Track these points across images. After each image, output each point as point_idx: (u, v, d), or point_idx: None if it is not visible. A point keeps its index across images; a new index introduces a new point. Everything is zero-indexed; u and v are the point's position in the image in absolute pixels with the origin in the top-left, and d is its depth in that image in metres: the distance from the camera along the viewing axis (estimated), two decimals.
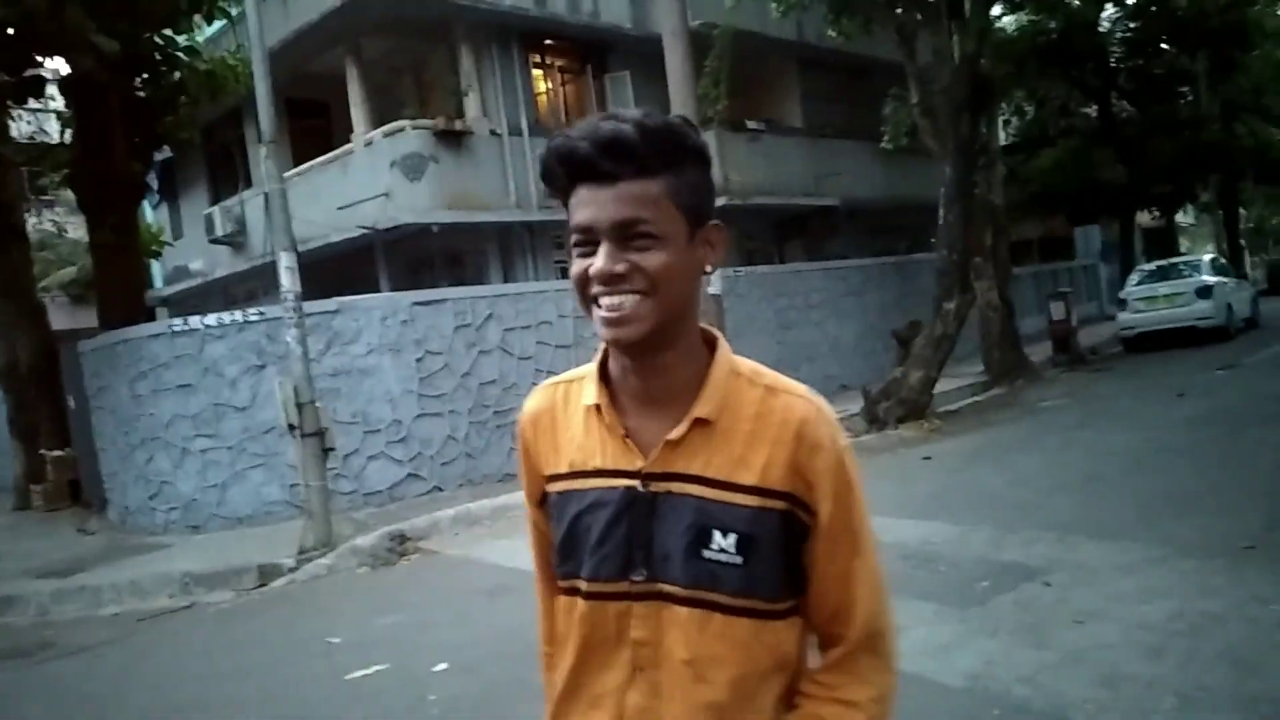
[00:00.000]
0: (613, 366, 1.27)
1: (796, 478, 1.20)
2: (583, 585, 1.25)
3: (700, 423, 1.21)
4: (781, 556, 1.21)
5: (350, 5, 13.45)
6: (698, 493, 1.20)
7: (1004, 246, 16.20)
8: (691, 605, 1.19)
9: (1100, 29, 22.57)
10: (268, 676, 5.33)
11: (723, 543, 1.18)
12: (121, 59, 10.13)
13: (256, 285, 17.04)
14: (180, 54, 11.74)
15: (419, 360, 10.28)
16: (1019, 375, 14.78)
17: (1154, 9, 21.52)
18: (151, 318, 13.17)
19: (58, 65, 11.61)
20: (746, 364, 1.29)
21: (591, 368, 1.30)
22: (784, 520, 1.20)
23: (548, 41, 15.97)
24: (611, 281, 1.15)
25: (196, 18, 11.12)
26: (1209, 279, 16.58)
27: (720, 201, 15.03)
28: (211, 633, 6.63)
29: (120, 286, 11.74)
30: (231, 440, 9.75)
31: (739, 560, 1.18)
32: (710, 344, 1.29)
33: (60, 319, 16.92)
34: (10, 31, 9.53)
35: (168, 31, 11.32)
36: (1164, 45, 23.52)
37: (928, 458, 9.51)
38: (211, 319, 9.94)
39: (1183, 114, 24.49)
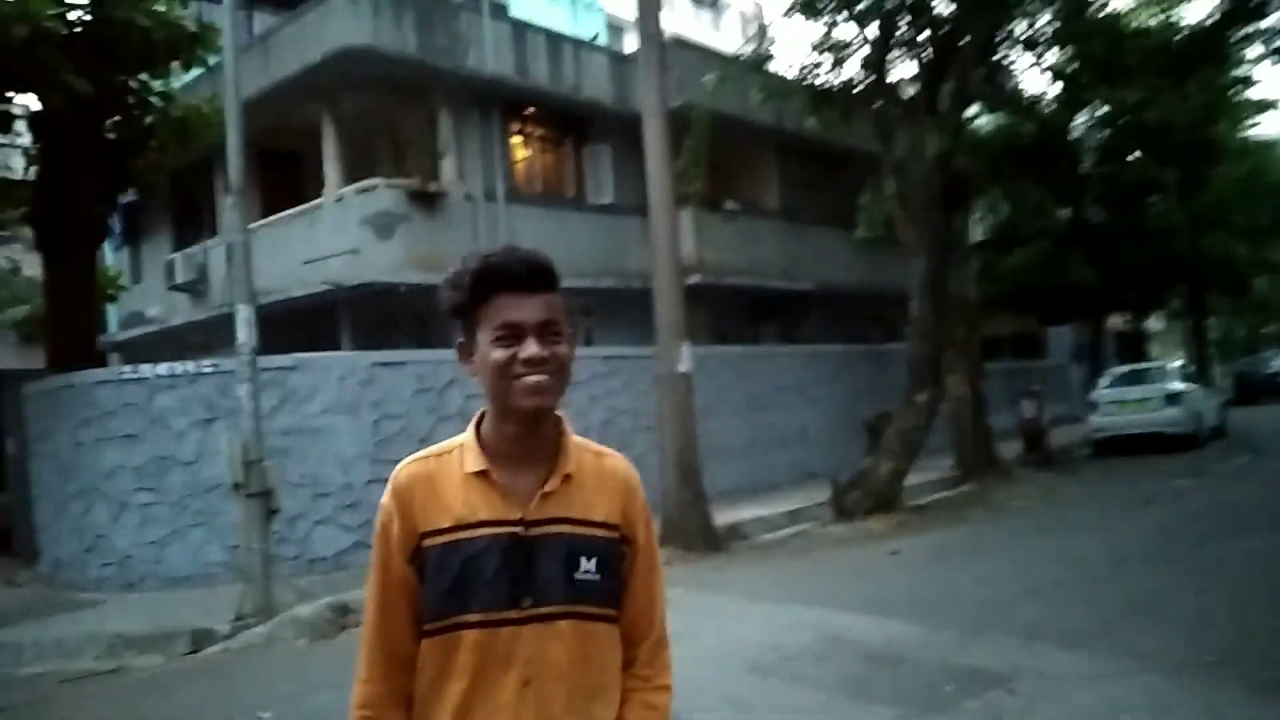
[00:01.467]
0: (492, 438, 1.61)
1: (623, 515, 1.64)
2: (473, 618, 1.53)
3: (566, 478, 1.59)
4: (617, 576, 1.62)
5: (332, 62, 13.41)
6: (568, 531, 1.57)
7: (976, 342, 16.27)
8: (568, 618, 1.55)
9: (1073, 135, 23.09)
10: None
11: (587, 565, 1.57)
12: (94, 100, 9.96)
13: (214, 336, 16.61)
14: (154, 98, 11.57)
15: (376, 423, 10.00)
16: (989, 472, 14.69)
17: (1124, 120, 22.06)
18: (103, 363, 12.76)
19: (27, 101, 11.38)
20: (577, 436, 1.67)
21: (461, 441, 1.64)
22: (618, 548, 1.62)
23: (528, 110, 16.01)
24: (539, 364, 1.53)
25: (174, 64, 10.98)
26: (1178, 386, 16.72)
27: (694, 279, 15.19)
28: (136, 700, 6.38)
29: (72, 329, 11.38)
30: (174, 495, 9.41)
31: (598, 578, 1.58)
32: (557, 419, 1.64)
33: (7, 358, 16.46)
34: None
35: (143, 75, 11.18)
36: (1135, 155, 24.08)
37: (895, 552, 9.35)
38: (163, 368, 9.69)
39: (1152, 222, 24.99)
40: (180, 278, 16.52)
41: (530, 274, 1.55)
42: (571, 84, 15.90)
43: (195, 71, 12.40)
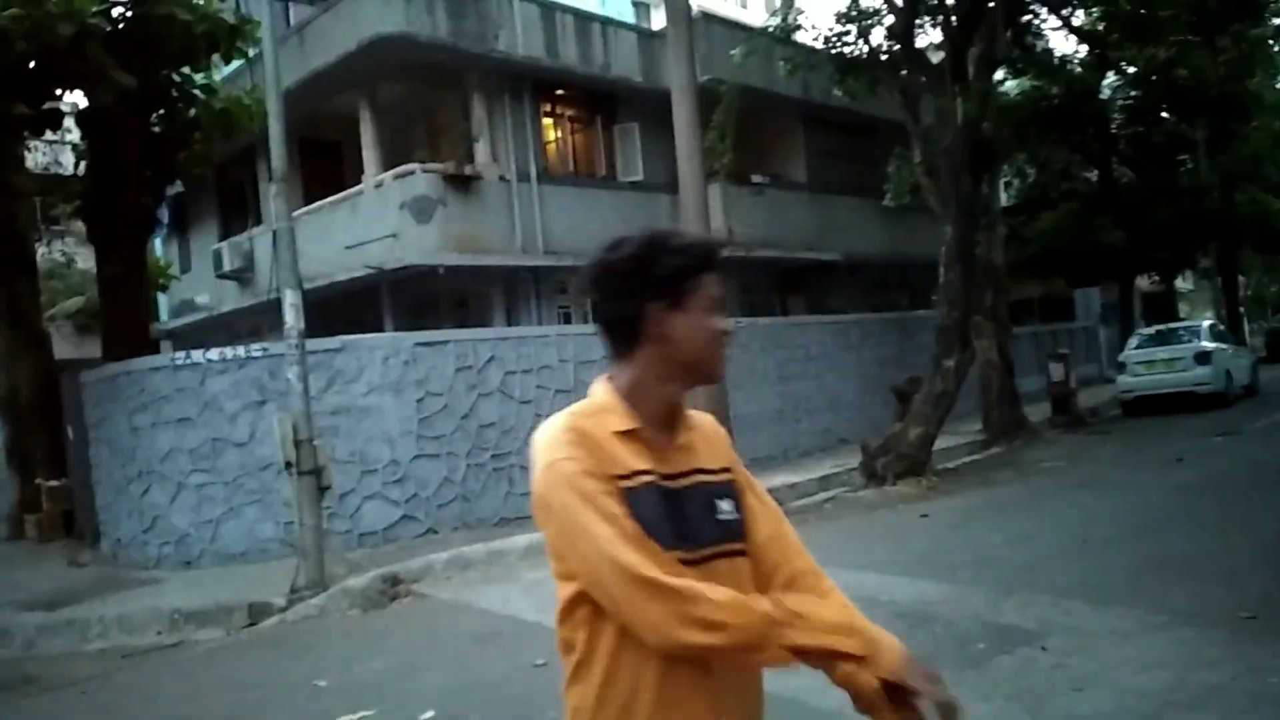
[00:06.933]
0: (645, 400, 1.72)
1: (730, 460, 1.80)
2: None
3: (689, 431, 1.76)
4: (742, 513, 1.76)
5: (367, 50, 13.66)
6: (702, 479, 1.72)
7: (1004, 306, 16.28)
8: (719, 557, 1.67)
9: (1101, 96, 22.89)
10: (253, 719, 5.27)
11: (725, 506, 1.72)
12: (139, 94, 10.24)
13: (261, 321, 17.09)
14: (197, 91, 11.88)
15: (419, 401, 10.27)
16: (1018, 435, 14.79)
17: (1154, 78, 21.82)
18: (155, 350, 13.20)
19: (75, 99, 11.75)
20: None
21: (597, 405, 1.72)
22: (738, 488, 1.77)
23: (559, 91, 16.21)
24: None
25: (214, 57, 11.26)
26: (1208, 345, 16.65)
27: (723, 253, 15.23)
28: (198, 672, 6.56)
29: (126, 318, 11.78)
30: (228, 476, 9.68)
31: (736, 516, 1.73)
32: None
33: (65, 349, 16.89)
34: (31, 65, 9.66)
35: (185, 69, 11.47)
36: (1164, 114, 23.83)
37: (925, 515, 9.49)
38: (214, 353, 9.93)
39: (1183, 181, 24.72)
40: (228, 266, 16.92)
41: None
42: (601, 63, 16.05)
43: (235, 64, 12.70)
